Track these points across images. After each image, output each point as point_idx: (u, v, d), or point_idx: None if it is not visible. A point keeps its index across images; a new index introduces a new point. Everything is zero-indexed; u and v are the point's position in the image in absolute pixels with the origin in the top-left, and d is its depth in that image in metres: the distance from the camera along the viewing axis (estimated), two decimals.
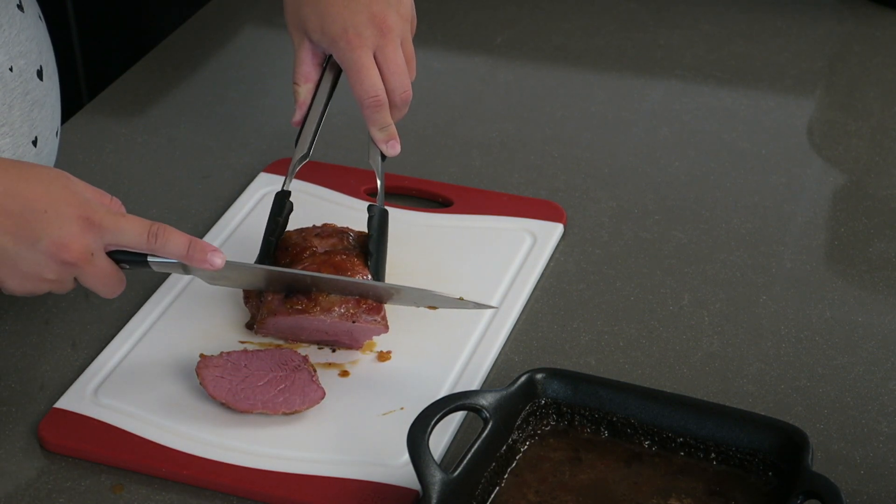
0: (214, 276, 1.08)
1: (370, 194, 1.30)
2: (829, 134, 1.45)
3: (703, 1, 1.68)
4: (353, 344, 1.11)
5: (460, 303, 1.08)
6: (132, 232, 1.02)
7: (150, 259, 1.04)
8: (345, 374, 1.10)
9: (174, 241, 1.03)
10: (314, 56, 1.20)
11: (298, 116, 1.21)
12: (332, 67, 1.22)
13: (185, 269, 1.06)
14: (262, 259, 1.14)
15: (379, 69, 1.17)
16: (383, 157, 1.20)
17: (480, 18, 1.65)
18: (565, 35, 1.62)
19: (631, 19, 1.65)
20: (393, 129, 1.19)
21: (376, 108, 1.17)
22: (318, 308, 1.08)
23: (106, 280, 1.03)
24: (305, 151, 1.19)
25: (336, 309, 1.08)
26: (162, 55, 1.59)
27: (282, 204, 1.17)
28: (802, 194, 1.33)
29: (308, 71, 1.20)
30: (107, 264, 1.02)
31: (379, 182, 1.19)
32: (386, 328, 1.09)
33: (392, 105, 1.18)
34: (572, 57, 1.58)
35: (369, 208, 1.15)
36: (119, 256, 1.03)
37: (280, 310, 1.09)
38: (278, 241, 1.15)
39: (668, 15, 1.65)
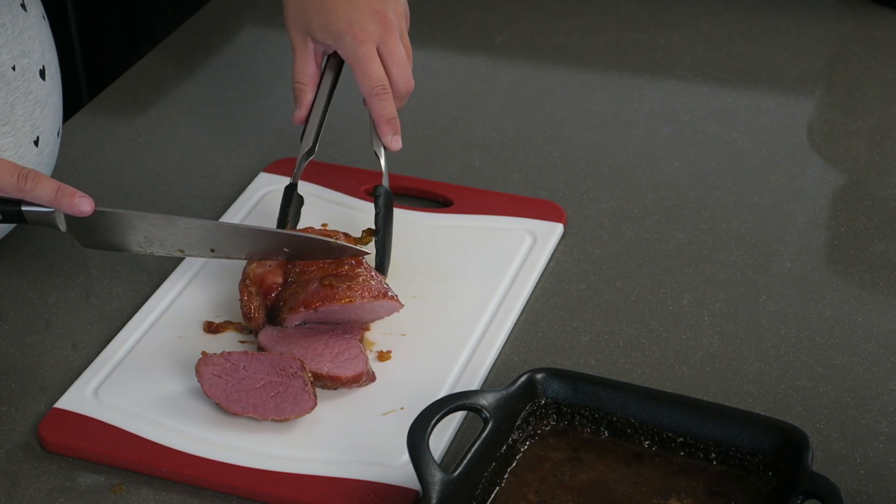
0: (89, 233, 1.10)
1: (370, 194, 1.30)
2: (829, 134, 1.45)
3: (703, 1, 1.68)
4: (354, 326, 1.12)
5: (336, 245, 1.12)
6: (4, 171, 1.05)
7: (23, 208, 1.07)
8: None
9: (44, 185, 1.06)
10: (315, 56, 1.24)
11: (303, 114, 1.24)
12: (331, 67, 1.25)
13: (59, 223, 1.08)
14: None
15: (382, 62, 1.21)
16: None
17: (480, 18, 1.66)
18: (565, 35, 1.62)
19: (631, 19, 1.65)
20: (398, 121, 1.23)
21: (383, 97, 1.21)
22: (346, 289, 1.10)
23: None
24: (310, 147, 1.23)
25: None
26: (162, 55, 1.59)
27: (290, 196, 1.20)
28: (802, 194, 1.33)
29: (311, 70, 1.24)
30: None
31: (383, 164, 1.23)
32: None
33: (395, 94, 1.22)
34: (572, 57, 1.58)
35: (375, 188, 1.20)
36: None
37: (312, 300, 1.10)
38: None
39: (668, 15, 1.65)
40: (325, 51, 1.24)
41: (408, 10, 1.26)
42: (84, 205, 1.07)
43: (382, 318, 1.13)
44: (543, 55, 1.58)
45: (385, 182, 1.21)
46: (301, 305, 1.09)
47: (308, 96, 1.24)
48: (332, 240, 1.12)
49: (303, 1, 1.23)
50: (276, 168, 1.34)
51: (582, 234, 1.27)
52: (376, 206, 1.19)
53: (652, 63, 1.56)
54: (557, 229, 1.26)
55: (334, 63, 1.25)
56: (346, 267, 1.11)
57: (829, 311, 1.17)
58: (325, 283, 1.10)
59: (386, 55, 1.21)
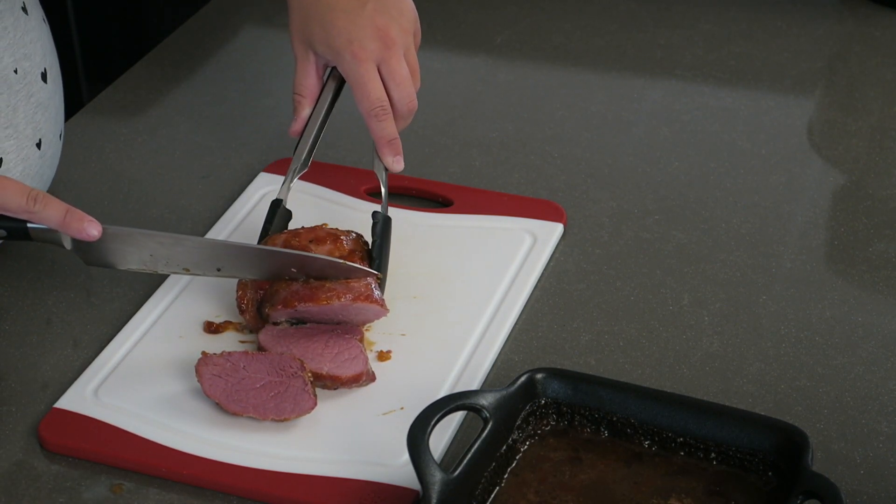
0: (92, 250, 1.10)
1: (370, 194, 1.30)
2: (829, 134, 1.45)
3: (703, 1, 1.68)
4: (354, 326, 1.12)
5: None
6: (12, 192, 1.05)
7: (29, 226, 1.07)
8: None
9: (52, 207, 1.06)
10: (317, 69, 1.22)
11: (298, 127, 1.22)
12: (333, 79, 1.23)
13: (64, 241, 1.08)
14: None
15: (383, 81, 1.18)
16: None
17: (480, 18, 1.65)
18: (565, 35, 1.62)
19: (631, 19, 1.65)
20: (399, 143, 1.20)
21: (382, 118, 1.18)
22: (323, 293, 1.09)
23: None
24: (303, 161, 1.20)
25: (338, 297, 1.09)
26: (162, 55, 1.59)
27: (274, 211, 1.18)
28: (802, 194, 1.33)
29: (312, 83, 1.22)
30: None
31: (383, 189, 1.20)
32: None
33: (397, 115, 1.19)
34: (572, 57, 1.58)
35: (374, 214, 1.17)
36: None
37: (289, 299, 1.09)
38: None
39: (668, 15, 1.65)
40: (328, 63, 1.21)
41: (418, 25, 1.23)
42: (92, 229, 1.07)
43: (371, 320, 1.12)
44: (543, 55, 1.58)
45: (384, 208, 1.18)
46: (280, 304, 1.09)
47: (305, 110, 1.21)
48: (340, 260, 1.10)
49: (306, 11, 1.20)
50: (277, 168, 1.34)
51: (582, 234, 1.27)
52: (374, 234, 1.16)
53: (652, 63, 1.56)
54: (557, 229, 1.26)
55: (337, 75, 1.22)
56: None
57: (829, 311, 1.17)
58: (308, 282, 1.10)
59: (387, 75, 1.18)
